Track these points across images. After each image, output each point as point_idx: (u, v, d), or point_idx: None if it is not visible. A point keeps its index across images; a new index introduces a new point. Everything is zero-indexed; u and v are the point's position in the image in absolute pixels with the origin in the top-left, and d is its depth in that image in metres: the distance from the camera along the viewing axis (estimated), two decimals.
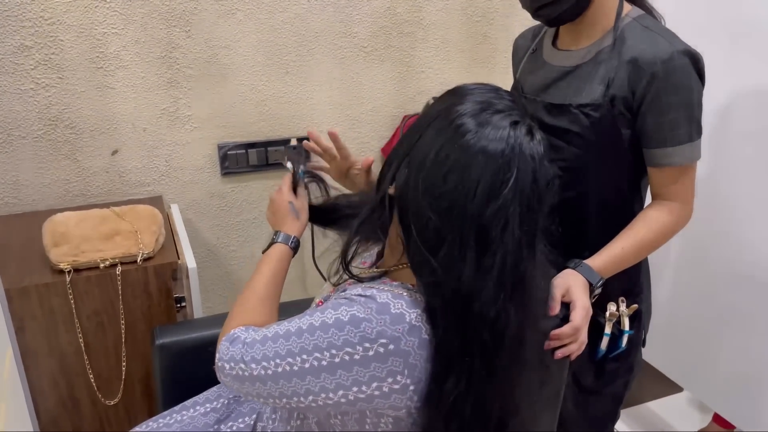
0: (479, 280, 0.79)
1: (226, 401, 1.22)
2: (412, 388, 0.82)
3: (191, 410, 1.21)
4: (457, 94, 0.86)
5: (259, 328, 0.92)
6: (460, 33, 2.02)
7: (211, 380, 1.28)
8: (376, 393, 0.82)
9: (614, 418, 1.40)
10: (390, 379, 0.81)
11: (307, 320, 0.86)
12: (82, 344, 1.42)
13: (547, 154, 0.82)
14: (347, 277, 0.95)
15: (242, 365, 0.88)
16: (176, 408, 1.22)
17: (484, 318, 0.80)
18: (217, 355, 0.93)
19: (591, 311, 1.09)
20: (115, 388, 1.49)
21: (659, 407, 2.16)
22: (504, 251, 0.79)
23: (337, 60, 1.89)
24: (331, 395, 0.83)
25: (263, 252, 1.07)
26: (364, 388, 0.82)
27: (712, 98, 1.55)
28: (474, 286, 0.79)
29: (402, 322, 0.81)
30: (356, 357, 0.81)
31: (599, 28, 1.17)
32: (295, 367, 0.84)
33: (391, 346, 0.80)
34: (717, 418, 1.93)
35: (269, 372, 0.86)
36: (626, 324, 1.23)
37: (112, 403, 1.50)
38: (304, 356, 0.84)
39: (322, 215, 1.17)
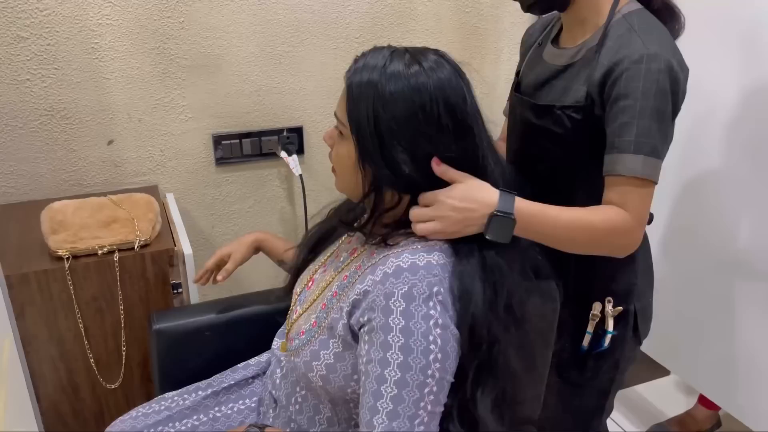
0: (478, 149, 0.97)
1: (227, 385, 1.24)
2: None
3: (193, 394, 1.23)
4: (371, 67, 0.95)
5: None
6: (450, 24, 2.04)
7: (207, 364, 1.32)
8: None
9: (602, 412, 1.37)
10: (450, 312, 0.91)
11: (392, 356, 0.87)
12: (82, 329, 1.44)
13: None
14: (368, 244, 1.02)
15: None
16: (178, 391, 1.24)
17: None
18: None
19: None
20: (115, 372, 1.52)
21: (647, 390, 2.21)
22: (478, 130, 0.96)
23: (329, 50, 1.91)
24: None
25: None
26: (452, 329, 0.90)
27: (699, 92, 1.58)
28: (477, 154, 0.97)
29: (432, 266, 0.91)
30: (438, 319, 0.88)
31: (590, 25, 1.12)
32: (434, 387, 0.87)
33: (440, 288, 0.90)
34: (702, 400, 1.98)
35: (428, 409, 0.87)
36: (610, 325, 1.21)
37: (112, 387, 1.52)
38: (429, 371, 0.87)
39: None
